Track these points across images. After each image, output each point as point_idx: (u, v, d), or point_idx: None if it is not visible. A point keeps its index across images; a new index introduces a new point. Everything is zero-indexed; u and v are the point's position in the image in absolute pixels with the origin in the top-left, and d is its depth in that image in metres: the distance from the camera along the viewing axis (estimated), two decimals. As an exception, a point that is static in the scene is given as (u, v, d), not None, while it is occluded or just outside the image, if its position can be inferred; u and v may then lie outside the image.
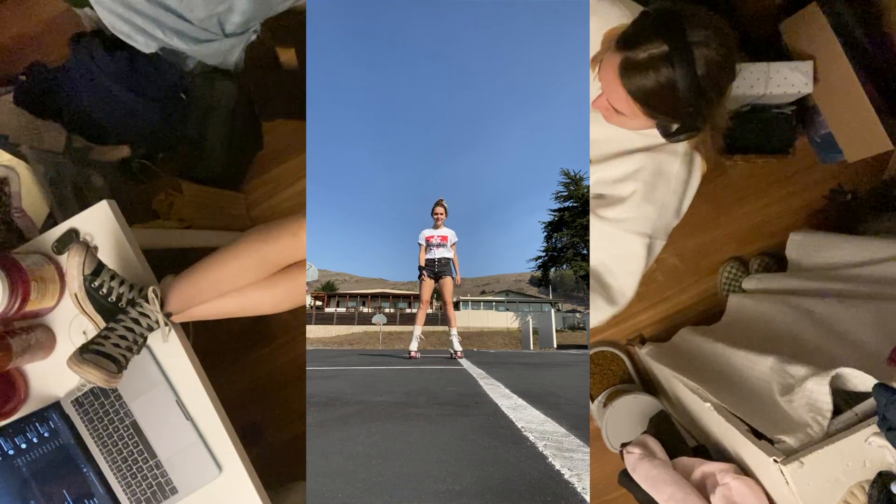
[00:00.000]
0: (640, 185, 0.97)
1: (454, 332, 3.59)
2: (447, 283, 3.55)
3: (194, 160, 1.49)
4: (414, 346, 3.52)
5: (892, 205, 1.47)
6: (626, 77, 0.80)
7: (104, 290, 0.88)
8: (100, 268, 0.88)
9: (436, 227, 3.65)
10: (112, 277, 0.89)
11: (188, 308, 0.94)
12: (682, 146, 0.94)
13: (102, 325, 0.89)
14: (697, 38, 0.76)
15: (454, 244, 3.66)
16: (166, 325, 0.91)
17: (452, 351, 3.61)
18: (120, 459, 0.93)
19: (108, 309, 0.89)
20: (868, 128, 1.29)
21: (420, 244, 3.68)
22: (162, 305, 0.91)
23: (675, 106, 0.80)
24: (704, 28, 0.77)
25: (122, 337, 0.86)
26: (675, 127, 0.85)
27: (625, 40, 0.80)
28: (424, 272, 3.59)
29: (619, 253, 1.02)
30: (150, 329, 0.90)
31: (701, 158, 0.96)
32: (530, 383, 1.76)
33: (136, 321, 0.88)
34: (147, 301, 0.89)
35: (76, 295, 0.87)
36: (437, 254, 3.57)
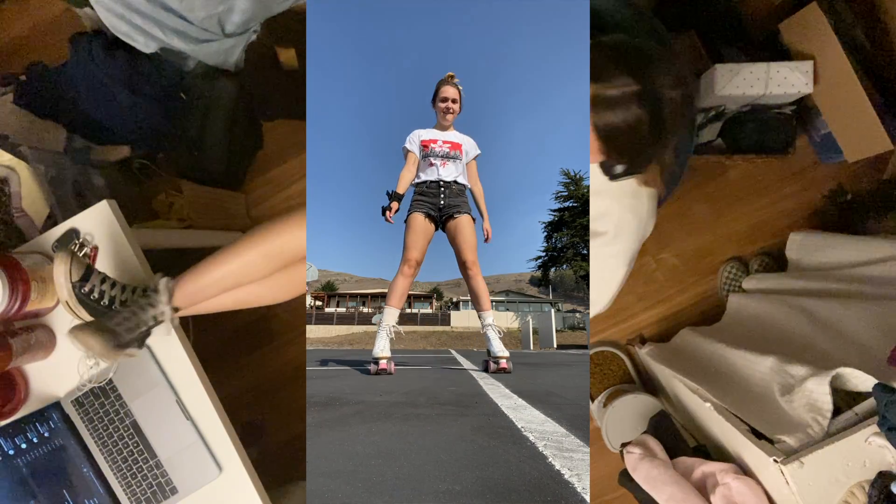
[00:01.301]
0: (612, 227, 0.99)
1: (489, 318, 1.90)
2: (464, 224, 1.86)
3: (194, 160, 1.50)
4: (383, 349, 1.85)
5: (892, 205, 1.47)
6: (594, 111, 0.75)
7: (95, 295, 0.86)
8: (88, 272, 0.86)
9: (441, 126, 1.94)
10: (103, 281, 0.88)
11: (192, 304, 0.94)
12: (643, 189, 0.95)
13: None
14: (665, 81, 0.74)
15: (474, 160, 1.96)
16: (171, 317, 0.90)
17: (491, 359, 1.88)
18: (120, 459, 0.93)
19: (102, 313, 0.87)
20: (868, 128, 1.29)
21: (408, 151, 1.90)
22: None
23: (634, 147, 0.78)
24: (671, 71, 0.75)
25: (127, 318, 0.85)
26: (619, 168, 0.82)
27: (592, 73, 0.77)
28: (417, 207, 1.88)
29: (605, 275, 1.07)
30: (155, 320, 0.89)
31: (654, 191, 0.98)
32: (530, 383, 1.76)
33: (143, 308, 0.87)
34: (157, 292, 0.88)
35: (67, 303, 0.86)
36: (444, 173, 1.87)
